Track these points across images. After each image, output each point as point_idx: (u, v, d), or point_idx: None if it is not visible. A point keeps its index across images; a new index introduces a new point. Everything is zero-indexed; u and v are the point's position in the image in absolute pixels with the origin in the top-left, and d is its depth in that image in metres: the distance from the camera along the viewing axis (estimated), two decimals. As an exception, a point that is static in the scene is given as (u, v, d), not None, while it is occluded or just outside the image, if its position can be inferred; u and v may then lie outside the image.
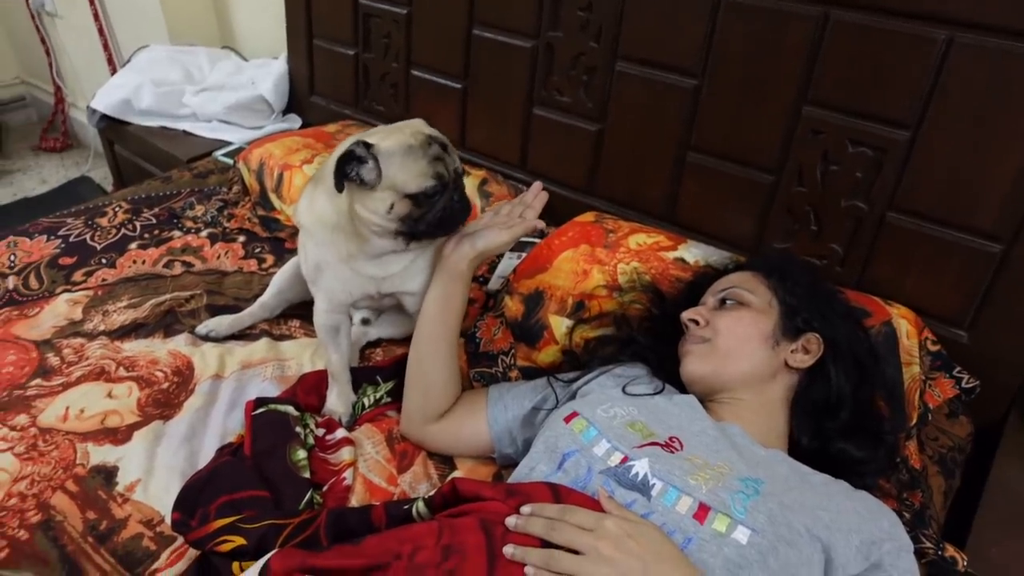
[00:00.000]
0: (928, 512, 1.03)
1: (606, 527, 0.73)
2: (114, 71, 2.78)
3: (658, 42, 1.41)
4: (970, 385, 1.21)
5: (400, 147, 1.00)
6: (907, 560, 0.82)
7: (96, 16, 2.70)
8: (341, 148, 1.03)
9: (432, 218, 1.03)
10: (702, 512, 0.78)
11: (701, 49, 1.35)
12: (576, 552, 0.72)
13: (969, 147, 1.15)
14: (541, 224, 1.11)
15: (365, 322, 1.40)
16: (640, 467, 0.83)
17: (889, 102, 1.20)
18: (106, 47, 2.77)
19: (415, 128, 1.05)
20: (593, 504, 0.79)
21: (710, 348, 1.00)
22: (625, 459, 0.84)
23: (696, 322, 1.03)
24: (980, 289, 1.21)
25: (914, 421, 1.12)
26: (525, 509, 0.77)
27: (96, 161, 3.25)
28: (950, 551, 0.97)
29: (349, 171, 0.99)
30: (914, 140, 1.19)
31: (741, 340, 0.99)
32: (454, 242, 1.10)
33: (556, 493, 0.81)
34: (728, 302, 1.04)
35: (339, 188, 1.00)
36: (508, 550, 0.74)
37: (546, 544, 0.74)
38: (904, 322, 1.18)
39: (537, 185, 1.16)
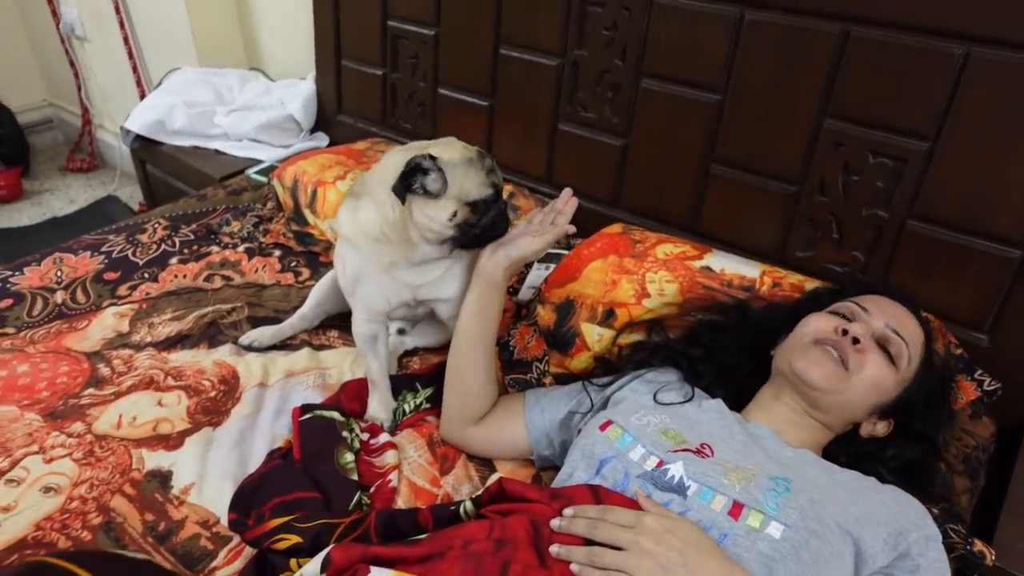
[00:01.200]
0: (955, 509, 1.06)
1: (646, 523, 0.77)
2: (143, 93, 2.87)
3: (682, 59, 1.46)
4: (992, 387, 1.24)
5: (462, 159, 1.08)
6: (935, 549, 0.85)
7: (126, 40, 2.78)
8: (388, 162, 1.10)
9: (485, 223, 1.10)
10: (736, 509, 0.82)
11: (724, 66, 1.41)
12: (618, 548, 0.76)
13: (986, 157, 1.19)
14: (572, 229, 1.14)
15: (401, 332, 1.45)
16: (675, 470, 0.87)
17: (908, 114, 1.24)
18: (135, 70, 2.85)
19: (459, 143, 1.12)
20: (632, 504, 0.83)
21: (842, 377, 0.95)
22: (661, 463, 0.89)
23: (858, 341, 0.96)
24: (999, 293, 1.25)
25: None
26: (568, 511, 0.82)
27: (123, 181, 3.33)
28: (978, 546, 1.00)
29: (414, 183, 1.05)
30: (933, 151, 1.24)
31: (867, 393, 0.96)
32: (489, 251, 1.13)
33: (597, 495, 0.85)
34: (892, 350, 0.98)
35: (402, 198, 1.06)
36: (554, 549, 0.78)
37: (589, 543, 0.78)
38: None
39: (567, 192, 1.19)
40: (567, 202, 1.18)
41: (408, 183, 1.05)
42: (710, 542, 0.77)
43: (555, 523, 0.80)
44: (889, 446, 1.01)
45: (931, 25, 1.18)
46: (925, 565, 0.83)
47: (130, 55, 2.82)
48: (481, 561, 0.76)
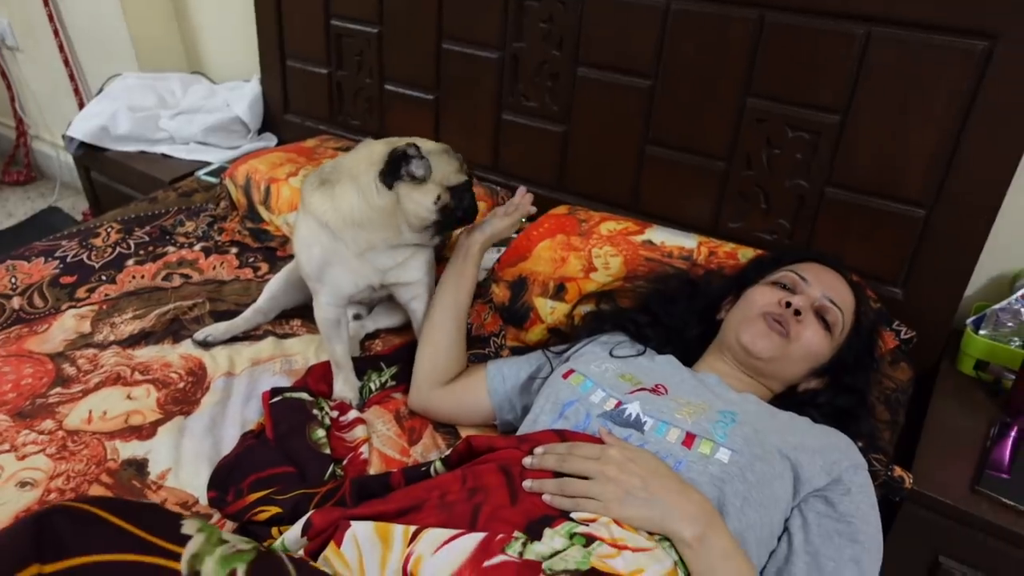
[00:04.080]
0: (878, 443, 1.18)
1: (609, 454, 0.85)
2: (81, 102, 2.83)
3: (614, 48, 1.56)
4: (908, 336, 1.38)
5: (438, 150, 1.20)
6: (862, 475, 0.96)
7: (61, 48, 2.74)
8: (372, 150, 1.19)
9: (465, 206, 1.22)
10: (689, 440, 0.91)
11: (653, 52, 1.51)
12: (585, 479, 0.84)
13: (891, 126, 1.32)
14: (534, 209, 1.33)
15: (357, 317, 1.50)
16: (632, 408, 0.96)
17: (820, 91, 1.36)
18: (72, 78, 2.82)
19: (425, 140, 1.22)
20: (595, 441, 0.91)
21: (783, 345, 1.05)
22: (619, 404, 0.98)
23: (798, 312, 1.06)
24: (909, 250, 1.38)
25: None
26: (538, 450, 0.90)
27: (63, 191, 3.27)
28: (898, 471, 1.12)
29: (401, 169, 1.14)
30: (844, 123, 1.36)
31: (806, 359, 1.07)
32: (466, 232, 1.30)
33: (562, 436, 0.93)
34: (829, 318, 1.07)
35: (390, 185, 1.15)
36: (527, 484, 0.85)
37: (559, 475, 0.86)
38: (847, 283, 1.34)
39: (521, 189, 1.36)
40: (523, 196, 1.34)
41: (396, 169, 1.14)
42: (667, 468, 0.86)
43: (527, 460, 0.88)
44: (821, 395, 1.11)
45: (837, 8, 1.30)
46: (855, 489, 0.92)
47: (66, 63, 2.78)
48: (455, 508, 0.83)
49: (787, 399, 1.12)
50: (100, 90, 2.38)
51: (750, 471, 0.88)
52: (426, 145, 1.20)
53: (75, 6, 2.65)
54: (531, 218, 1.47)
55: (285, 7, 2.08)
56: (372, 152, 1.18)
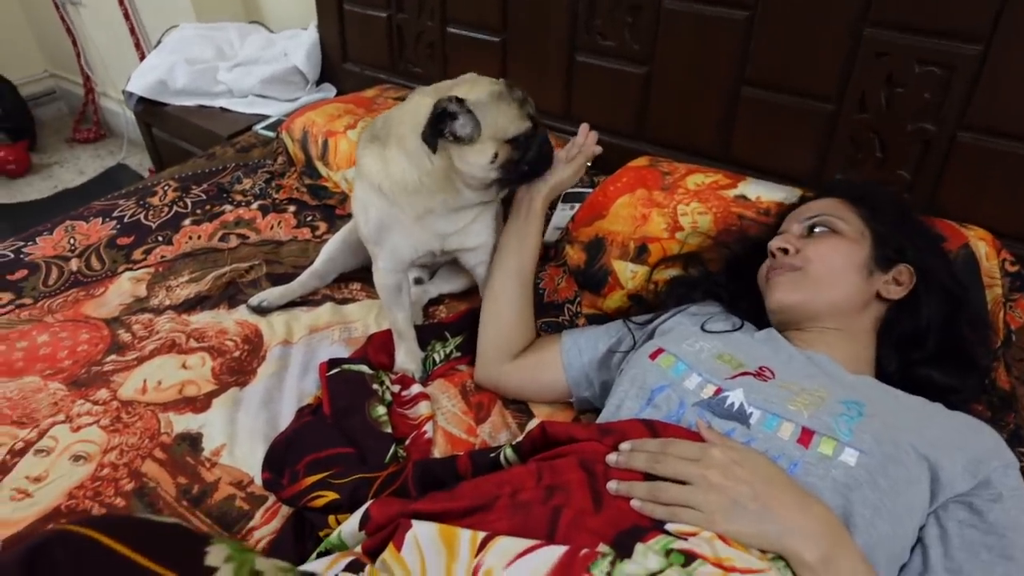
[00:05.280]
0: (1021, 431, 1.01)
1: (712, 455, 0.72)
2: (142, 56, 2.79)
3: (706, -26, 1.37)
4: (1053, 304, 1.18)
5: (490, 96, 1.01)
6: (1014, 477, 0.80)
7: (121, 2, 2.69)
8: (419, 105, 1.02)
9: (531, 158, 1.05)
10: (806, 437, 0.77)
11: (752, -23, 1.31)
12: (682, 483, 0.72)
13: (1046, 56, 1.10)
14: (599, 149, 1.17)
15: (418, 281, 1.40)
16: (735, 397, 0.82)
17: (957, 15, 1.15)
18: (133, 32, 2.77)
19: (484, 78, 1.05)
20: (692, 436, 0.78)
21: (802, 276, 0.96)
22: (719, 390, 0.84)
23: (785, 250, 0.99)
24: (1060, 205, 1.17)
25: (999, 343, 1.09)
26: (624, 445, 0.77)
27: (131, 149, 3.28)
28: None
29: (443, 130, 0.98)
30: (986, 54, 1.14)
31: (836, 269, 0.95)
32: (525, 186, 1.14)
33: (653, 429, 0.80)
34: (818, 229, 1.00)
35: (434, 148, 0.99)
36: (612, 485, 0.73)
37: (649, 478, 0.74)
38: (982, 244, 1.15)
39: (585, 126, 1.20)
40: (586, 136, 1.19)
41: (438, 130, 0.98)
42: (781, 473, 0.72)
43: (611, 458, 0.75)
44: (917, 311, 0.96)
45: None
46: (1007, 494, 0.77)
47: (126, 16, 2.73)
48: (530, 511, 0.72)
49: (894, 350, 0.97)
50: (158, 43, 2.32)
51: (882, 476, 0.73)
52: (475, 92, 1.01)
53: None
54: (602, 166, 1.31)
55: (342, -54, 1.95)
56: (418, 109, 1.03)
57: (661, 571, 0.64)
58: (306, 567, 0.77)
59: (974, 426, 0.85)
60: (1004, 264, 1.17)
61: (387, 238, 1.13)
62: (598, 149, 1.17)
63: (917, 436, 0.78)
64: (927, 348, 0.96)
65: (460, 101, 0.98)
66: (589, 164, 1.18)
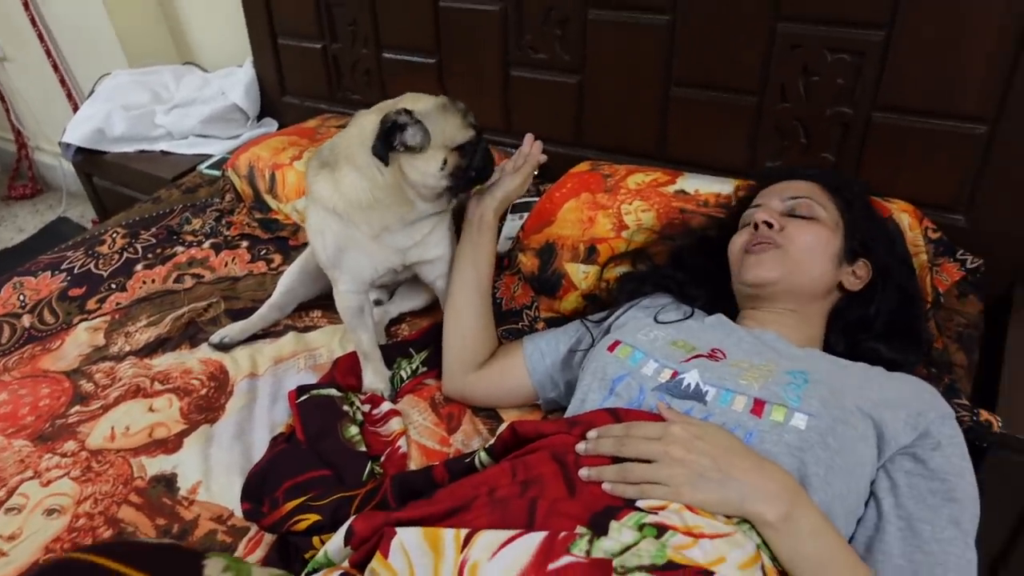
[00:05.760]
0: (957, 385, 1.08)
1: (673, 432, 0.76)
2: (75, 106, 2.75)
3: (626, -16, 1.43)
4: (974, 265, 1.26)
5: (435, 107, 1.06)
6: (951, 426, 0.86)
7: (49, 53, 2.66)
8: (363, 125, 1.07)
9: (477, 164, 1.10)
10: (758, 407, 0.82)
11: (670, -17, 1.38)
12: (648, 462, 0.76)
13: (942, 37, 1.19)
14: (544, 157, 1.20)
15: (378, 303, 1.42)
16: (690, 378, 0.87)
17: (860, 5, 1.23)
18: (63, 83, 2.74)
19: (422, 95, 1.10)
20: (654, 418, 0.82)
21: (782, 255, 0.99)
22: (675, 374, 0.88)
23: (770, 224, 1.01)
24: (971, 172, 1.26)
25: (928, 306, 1.17)
26: (591, 433, 0.81)
27: (70, 201, 3.22)
28: (984, 415, 1.02)
29: (394, 141, 1.02)
30: (890, 38, 1.23)
31: (815, 254, 0.99)
32: (475, 200, 1.18)
33: (616, 415, 0.84)
34: (798, 213, 1.03)
35: (385, 160, 1.03)
36: (583, 472, 0.77)
37: (617, 462, 0.78)
38: (905, 215, 1.23)
39: (529, 136, 1.23)
40: (532, 145, 1.22)
41: (389, 142, 1.02)
42: (739, 442, 0.77)
43: (580, 447, 0.79)
44: (869, 300, 1.02)
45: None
46: (945, 442, 0.83)
47: (55, 68, 2.70)
48: (508, 505, 0.75)
49: (841, 324, 1.03)
50: (91, 91, 2.30)
51: (831, 436, 0.79)
52: (420, 105, 1.06)
53: (57, 8, 2.56)
54: (546, 175, 1.36)
55: (270, -18, 1.97)
56: (363, 127, 1.07)
57: (636, 543, 0.68)
58: None
59: (912, 383, 0.91)
60: (927, 232, 1.25)
61: (346, 260, 1.16)
62: (543, 157, 1.21)
63: (860, 397, 0.84)
64: (874, 331, 1.02)
65: (409, 112, 1.02)
66: (536, 173, 1.22)
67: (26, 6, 2.56)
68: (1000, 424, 1.02)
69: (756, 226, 1.02)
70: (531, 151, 1.21)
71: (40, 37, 2.64)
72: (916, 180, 1.30)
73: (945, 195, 1.30)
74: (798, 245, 0.99)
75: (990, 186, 1.26)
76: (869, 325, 1.01)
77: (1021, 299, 1.27)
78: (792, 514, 0.71)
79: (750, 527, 0.72)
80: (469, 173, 1.10)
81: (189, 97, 2.20)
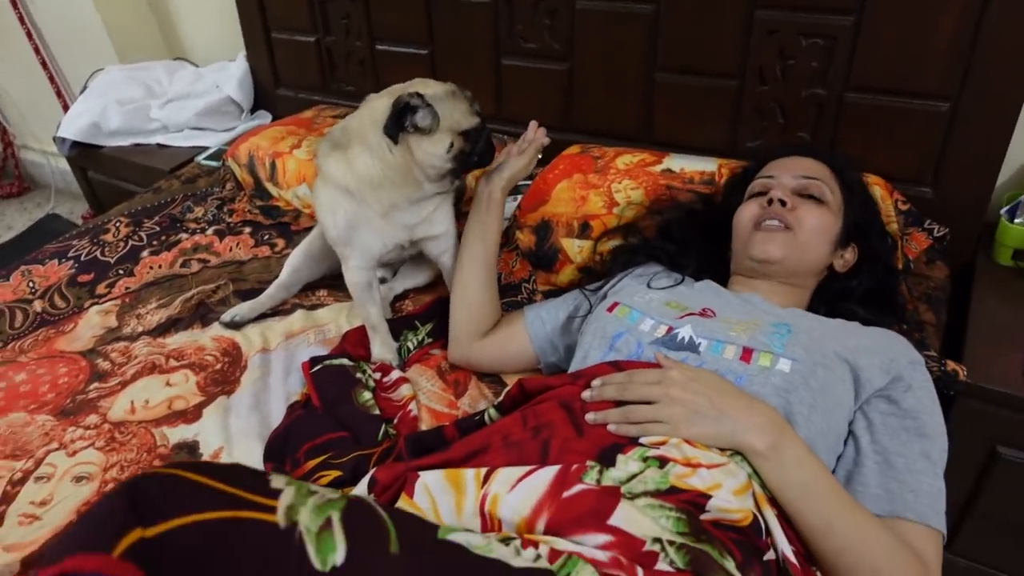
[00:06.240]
0: (926, 341, 1.17)
1: (671, 376, 0.84)
2: (64, 103, 2.78)
3: (612, -26, 1.51)
4: (941, 234, 1.36)
5: (445, 93, 1.13)
6: (921, 371, 0.94)
7: (37, 50, 2.68)
8: (375, 107, 1.14)
9: (480, 150, 1.17)
10: (747, 355, 0.90)
11: (654, -26, 1.46)
12: (649, 404, 0.83)
13: (907, 19, 1.28)
14: (548, 140, 1.27)
15: (382, 281, 1.48)
16: (684, 332, 0.94)
17: (831, -7, 1.32)
18: (52, 80, 2.76)
19: (431, 81, 1.16)
20: (652, 367, 0.90)
21: (791, 238, 1.04)
22: (670, 329, 0.96)
23: (784, 203, 1.05)
24: (936, 147, 1.36)
25: (900, 272, 1.26)
26: (596, 382, 0.88)
27: (59, 197, 3.23)
28: (951, 365, 1.11)
29: (405, 122, 1.09)
30: (859, 23, 1.32)
31: (819, 237, 1.05)
32: (484, 180, 1.25)
33: (617, 366, 0.91)
34: (810, 195, 1.07)
35: (395, 139, 1.10)
36: (590, 416, 0.84)
37: (620, 406, 0.85)
38: (877, 188, 1.32)
39: (533, 123, 1.29)
40: (535, 130, 1.29)
41: (400, 122, 1.09)
42: (730, 384, 0.85)
43: (586, 394, 0.86)
44: (853, 276, 1.10)
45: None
46: (916, 384, 0.91)
47: (43, 65, 2.72)
48: (523, 447, 0.82)
49: (825, 293, 1.11)
50: (84, 87, 2.33)
51: (813, 378, 0.87)
52: (431, 89, 1.13)
53: (45, 4, 2.58)
54: (543, 161, 1.43)
55: (263, -23, 2.03)
56: (375, 109, 1.14)
57: (641, 472, 0.75)
58: None
59: (885, 334, 0.99)
60: (897, 204, 1.34)
61: (357, 236, 1.22)
62: (547, 141, 1.28)
63: (839, 345, 0.92)
64: (854, 298, 1.09)
65: (420, 96, 1.09)
66: (539, 155, 1.29)
67: (13, 3, 2.58)
68: (966, 374, 1.11)
69: (770, 202, 1.06)
70: (535, 136, 1.28)
71: (28, 35, 2.66)
72: (886, 156, 1.39)
73: (913, 169, 1.39)
74: (806, 228, 1.04)
75: (954, 160, 1.35)
76: (849, 295, 1.09)
77: (983, 264, 1.37)
78: (779, 445, 0.79)
79: (742, 459, 0.80)
80: (472, 158, 1.17)
81: (183, 91, 2.25)
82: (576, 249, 1.37)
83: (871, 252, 1.10)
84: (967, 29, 1.24)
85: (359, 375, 1.20)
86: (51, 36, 2.68)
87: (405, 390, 1.20)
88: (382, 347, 1.28)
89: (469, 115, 1.15)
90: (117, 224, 1.77)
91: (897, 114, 1.36)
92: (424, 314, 1.37)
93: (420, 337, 1.33)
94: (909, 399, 0.90)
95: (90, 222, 1.83)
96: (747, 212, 1.10)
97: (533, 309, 1.23)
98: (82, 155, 2.25)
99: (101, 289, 1.56)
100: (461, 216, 1.37)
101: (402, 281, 1.47)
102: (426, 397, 1.21)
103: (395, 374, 1.23)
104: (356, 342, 1.30)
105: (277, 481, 0.57)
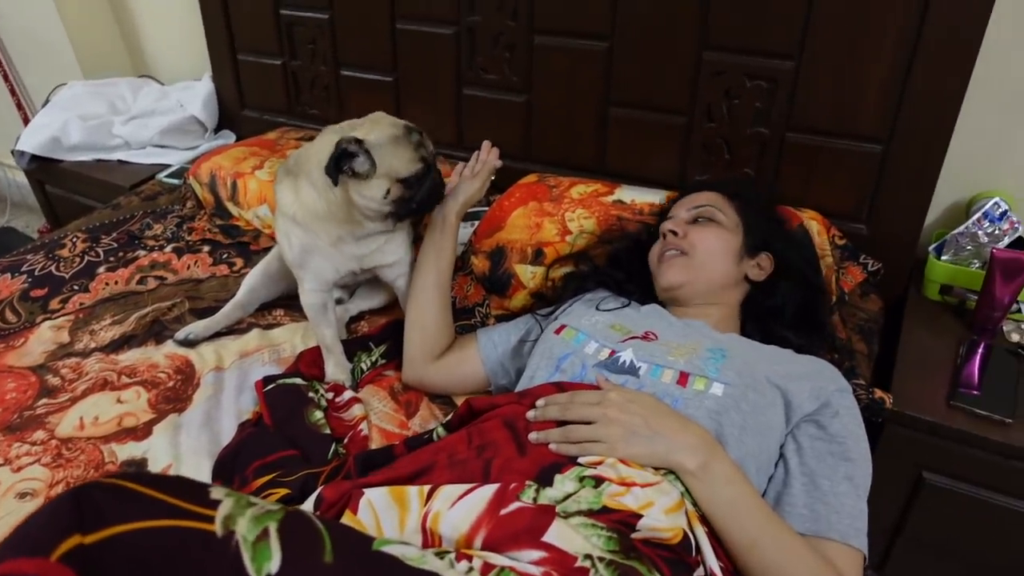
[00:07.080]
0: (857, 369, 1.23)
1: (610, 398, 0.88)
2: (25, 117, 2.75)
3: (569, 13, 1.58)
4: (875, 268, 1.43)
5: (387, 138, 1.14)
6: (848, 398, 1.00)
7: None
8: (322, 144, 1.15)
9: (420, 197, 1.18)
10: (683, 379, 0.94)
11: (608, 14, 1.53)
12: (588, 424, 0.87)
13: (843, 67, 1.36)
14: (500, 163, 1.32)
15: (339, 302, 1.51)
16: (626, 356, 0.99)
17: (774, 38, 1.40)
18: (13, 92, 2.74)
19: (387, 120, 1.19)
20: (594, 389, 0.94)
21: (687, 261, 1.13)
22: (613, 352, 1.00)
23: (675, 232, 1.16)
24: (870, 186, 1.44)
25: (834, 302, 1.33)
26: (540, 402, 0.92)
27: (15, 211, 3.18)
28: (879, 393, 1.17)
29: (343, 166, 1.11)
30: (799, 68, 1.40)
31: (715, 253, 1.14)
32: (438, 206, 1.27)
33: (561, 387, 0.95)
34: (702, 219, 1.17)
35: (335, 182, 1.11)
36: (532, 436, 0.88)
37: (561, 426, 0.89)
38: (814, 223, 1.39)
39: (486, 143, 1.34)
40: (488, 151, 1.33)
41: (339, 165, 1.11)
42: (666, 406, 0.89)
43: (530, 414, 0.90)
44: (777, 294, 1.16)
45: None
46: (843, 411, 0.96)
47: (5, 78, 2.70)
48: (466, 465, 0.85)
49: (754, 311, 1.17)
50: (47, 101, 2.32)
51: (744, 401, 0.92)
52: (374, 135, 1.13)
53: (9, 17, 2.57)
54: (495, 186, 1.47)
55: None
56: (321, 148, 1.15)
57: (576, 492, 0.79)
58: None
59: (816, 362, 1.05)
60: (834, 239, 1.42)
61: (310, 261, 1.25)
62: (499, 163, 1.33)
63: (771, 371, 0.97)
64: (783, 320, 1.15)
65: (359, 142, 1.11)
66: (493, 178, 1.33)
67: (-24, 15, 2.57)
68: (892, 402, 1.17)
69: (664, 235, 1.18)
70: (488, 157, 1.33)
71: (-9, 47, 2.64)
72: (825, 192, 1.47)
73: (849, 206, 1.47)
74: (700, 249, 1.14)
75: (887, 199, 1.43)
76: (778, 314, 1.15)
77: (914, 298, 1.45)
78: (709, 464, 0.84)
79: (675, 478, 0.84)
80: (411, 204, 1.19)
81: (147, 108, 2.25)
82: (529, 275, 1.41)
83: (783, 258, 1.17)
84: (896, 77, 1.32)
85: (311, 394, 1.22)
86: (14, 48, 2.66)
87: (357, 410, 1.22)
88: (336, 367, 1.30)
89: (411, 162, 1.15)
90: (74, 239, 1.77)
91: (834, 154, 1.44)
92: (379, 335, 1.40)
93: (374, 358, 1.35)
94: (836, 424, 0.95)
95: (46, 237, 1.82)
96: (654, 251, 1.21)
97: (486, 333, 1.26)
98: (41, 169, 2.23)
99: (54, 304, 1.55)
100: (419, 240, 1.40)
101: (358, 303, 1.50)
102: (377, 417, 1.23)
103: (347, 394, 1.25)
104: (310, 362, 1.32)
105: (217, 493, 0.59)
